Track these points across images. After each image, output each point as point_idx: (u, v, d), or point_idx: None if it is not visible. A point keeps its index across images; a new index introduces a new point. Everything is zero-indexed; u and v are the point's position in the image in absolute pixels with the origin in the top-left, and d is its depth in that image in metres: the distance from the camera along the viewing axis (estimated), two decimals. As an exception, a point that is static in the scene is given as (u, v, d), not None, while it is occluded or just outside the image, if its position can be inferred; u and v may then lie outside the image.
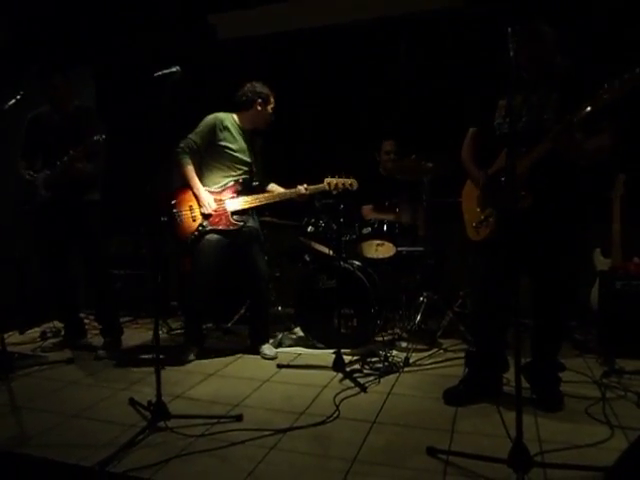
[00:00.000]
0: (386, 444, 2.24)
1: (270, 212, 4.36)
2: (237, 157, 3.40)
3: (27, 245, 3.79)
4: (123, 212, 4.50)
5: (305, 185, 3.43)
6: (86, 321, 4.05)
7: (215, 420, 2.45)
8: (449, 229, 3.85)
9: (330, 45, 4.74)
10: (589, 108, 2.13)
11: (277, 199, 3.49)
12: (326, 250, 3.83)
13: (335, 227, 3.65)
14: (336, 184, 3.32)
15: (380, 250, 3.90)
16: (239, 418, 2.47)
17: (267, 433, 2.33)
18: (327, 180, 3.34)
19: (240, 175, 3.42)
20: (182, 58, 2.90)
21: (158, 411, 2.39)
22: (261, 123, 3.48)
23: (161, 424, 2.37)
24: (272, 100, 3.46)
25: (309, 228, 3.86)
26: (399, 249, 3.83)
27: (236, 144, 3.40)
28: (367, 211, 4.20)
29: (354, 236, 3.86)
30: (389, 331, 3.87)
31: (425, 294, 3.80)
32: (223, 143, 3.37)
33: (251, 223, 3.49)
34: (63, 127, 3.45)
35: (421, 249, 3.89)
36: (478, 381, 2.68)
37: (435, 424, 2.41)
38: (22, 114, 3.51)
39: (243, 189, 3.42)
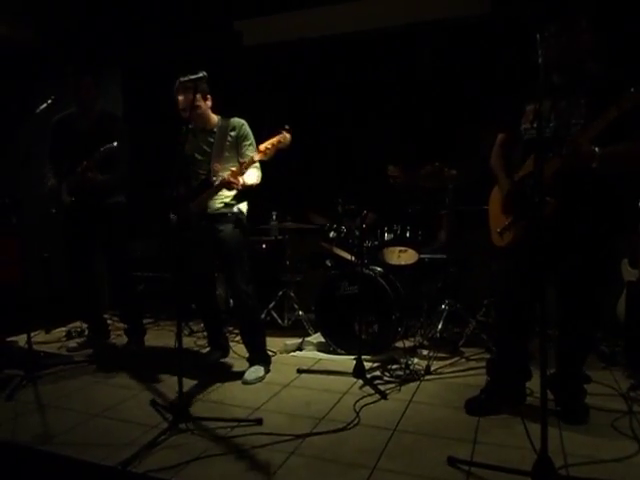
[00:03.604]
0: (406, 452, 2.21)
1: (292, 217, 4.38)
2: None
3: (55, 245, 3.87)
4: (147, 215, 4.56)
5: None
6: (110, 322, 4.11)
7: (235, 423, 2.46)
8: (472, 236, 3.83)
9: (355, 52, 4.74)
10: (603, 121, 2.12)
11: (211, 196, 3.09)
12: (348, 256, 3.83)
13: (357, 233, 3.64)
14: (265, 149, 2.87)
15: (402, 257, 3.88)
16: (259, 422, 2.47)
17: (287, 438, 2.33)
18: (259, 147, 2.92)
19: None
20: (208, 63, 2.94)
21: (179, 413, 2.42)
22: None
23: (182, 426, 2.38)
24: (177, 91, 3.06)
25: (331, 233, 3.87)
26: (421, 256, 3.81)
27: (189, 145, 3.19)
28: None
29: (376, 242, 3.85)
30: (410, 338, 3.84)
31: (447, 302, 3.78)
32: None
33: (222, 231, 3.15)
34: (87, 132, 3.50)
35: (444, 256, 3.86)
36: (500, 390, 2.64)
37: (456, 434, 2.38)
38: (53, 117, 3.59)
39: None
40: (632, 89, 2.06)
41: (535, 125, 2.40)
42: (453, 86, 4.42)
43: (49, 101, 3.18)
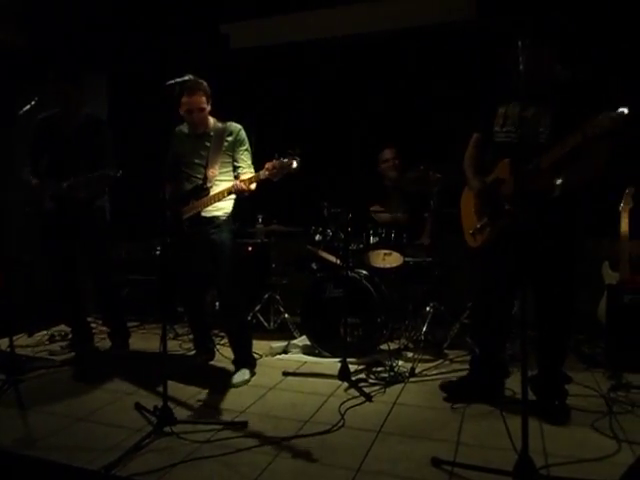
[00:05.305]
0: (390, 454, 2.23)
1: (278, 220, 4.38)
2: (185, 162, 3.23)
3: (37, 247, 3.82)
4: (133, 218, 4.54)
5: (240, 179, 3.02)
6: (94, 325, 4.08)
7: (220, 426, 2.46)
8: (456, 240, 3.86)
9: (340, 56, 4.77)
10: (558, 153, 2.20)
11: (213, 201, 3.07)
12: (333, 259, 3.84)
13: (343, 236, 3.66)
14: (273, 167, 2.83)
15: (387, 259, 3.90)
16: (244, 425, 2.47)
17: (272, 440, 2.33)
18: (266, 166, 2.87)
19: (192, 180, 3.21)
20: (195, 67, 2.94)
21: (164, 416, 2.41)
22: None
23: (167, 429, 2.38)
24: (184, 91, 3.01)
25: (317, 236, 3.88)
26: (406, 259, 3.83)
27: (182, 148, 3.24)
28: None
29: (361, 245, 3.87)
30: (395, 341, 3.86)
31: (432, 304, 3.80)
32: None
33: (213, 234, 3.14)
34: (71, 136, 3.47)
35: (428, 259, 3.89)
36: (478, 381, 2.73)
37: (440, 435, 2.41)
38: (34, 118, 3.55)
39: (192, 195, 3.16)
40: (600, 116, 2.08)
41: (504, 129, 2.48)
42: (437, 90, 4.47)
43: (32, 103, 3.15)
